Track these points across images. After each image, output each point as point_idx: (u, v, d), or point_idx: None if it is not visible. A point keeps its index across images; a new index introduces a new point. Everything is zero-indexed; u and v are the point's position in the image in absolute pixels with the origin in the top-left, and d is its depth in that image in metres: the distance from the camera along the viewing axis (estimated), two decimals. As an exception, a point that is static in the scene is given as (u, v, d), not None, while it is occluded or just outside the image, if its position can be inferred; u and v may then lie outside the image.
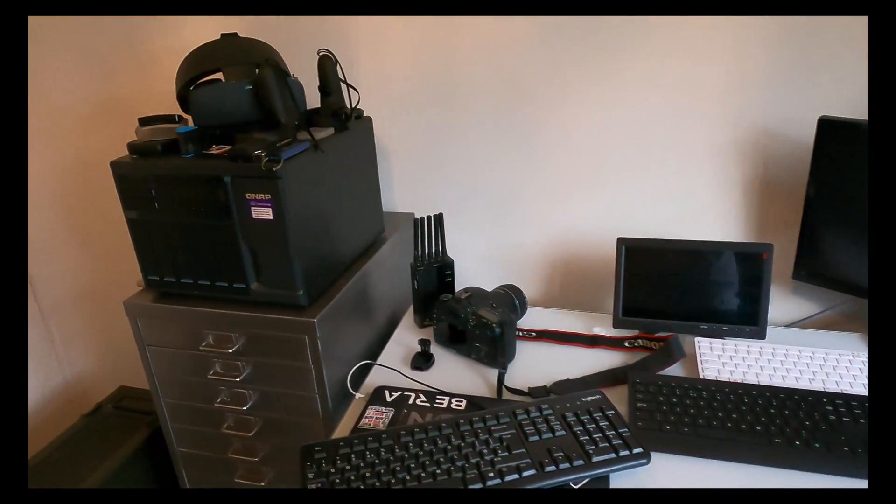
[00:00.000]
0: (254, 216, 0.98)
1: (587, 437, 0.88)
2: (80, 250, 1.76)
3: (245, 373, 1.12)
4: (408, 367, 1.15)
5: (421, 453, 0.87)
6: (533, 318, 1.29)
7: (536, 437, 0.89)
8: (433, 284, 1.26)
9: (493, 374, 1.12)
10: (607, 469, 0.84)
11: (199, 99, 1.01)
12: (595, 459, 0.85)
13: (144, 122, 1.07)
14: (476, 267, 1.49)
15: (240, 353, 1.10)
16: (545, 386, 1.07)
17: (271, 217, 0.97)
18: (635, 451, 0.86)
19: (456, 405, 1.02)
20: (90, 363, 1.96)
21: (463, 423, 0.92)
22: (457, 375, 1.12)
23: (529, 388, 1.06)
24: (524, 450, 0.87)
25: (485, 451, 0.86)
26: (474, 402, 1.03)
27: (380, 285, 1.28)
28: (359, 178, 1.21)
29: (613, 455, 0.85)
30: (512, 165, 1.37)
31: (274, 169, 0.92)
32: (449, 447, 0.88)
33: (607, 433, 0.89)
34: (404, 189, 1.46)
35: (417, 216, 1.44)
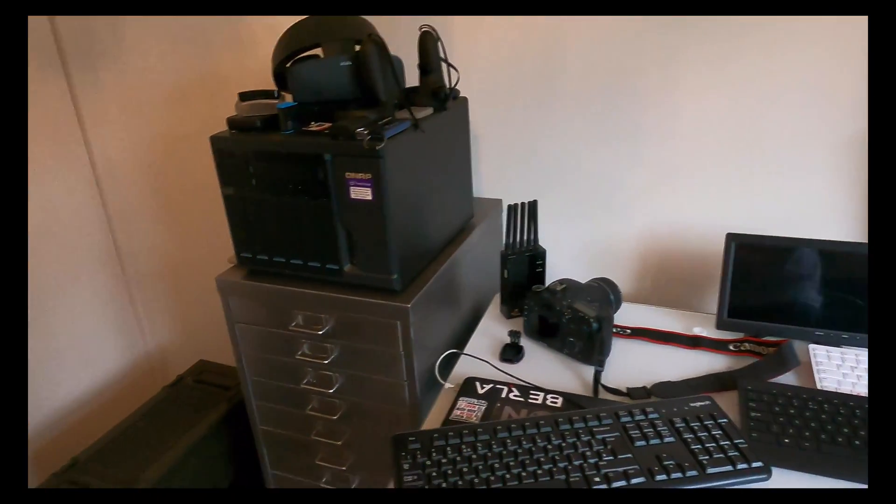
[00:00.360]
0: (352, 196, 0.95)
1: (699, 446, 0.82)
2: (168, 225, 1.80)
3: (333, 356, 1.10)
4: (496, 358, 1.12)
5: (520, 451, 0.83)
6: (626, 315, 1.23)
7: (643, 442, 0.84)
8: (523, 274, 1.21)
9: (587, 370, 1.07)
10: (723, 482, 0.78)
11: (299, 74, 0.99)
12: (710, 471, 0.79)
13: (244, 96, 1.05)
14: (564, 258, 1.43)
15: (329, 335, 1.08)
16: (645, 387, 1.01)
17: (370, 198, 0.94)
18: (754, 464, 0.79)
19: (552, 402, 0.97)
20: (171, 336, 2.01)
21: (562, 421, 0.88)
22: (547, 370, 1.07)
23: (628, 388, 1.01)
24: (630, 455, 0.81)
25: (588, 452, 0.82)
26: (571, 399, 0.98)
27: (468, 273, 1.24)
28: (453, 160, 1.17)
29: (730, 467, 0.79)
30: (608, 155, 1.30)
31: (377, 148, 0.89)
32: (549, 446, 0.83)
33: (721, 443, 0.83)
34: (492, 175, 1.41)
35: (505, 203, 1.40)
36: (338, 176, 0.95)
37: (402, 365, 1.05)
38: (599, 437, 0.84)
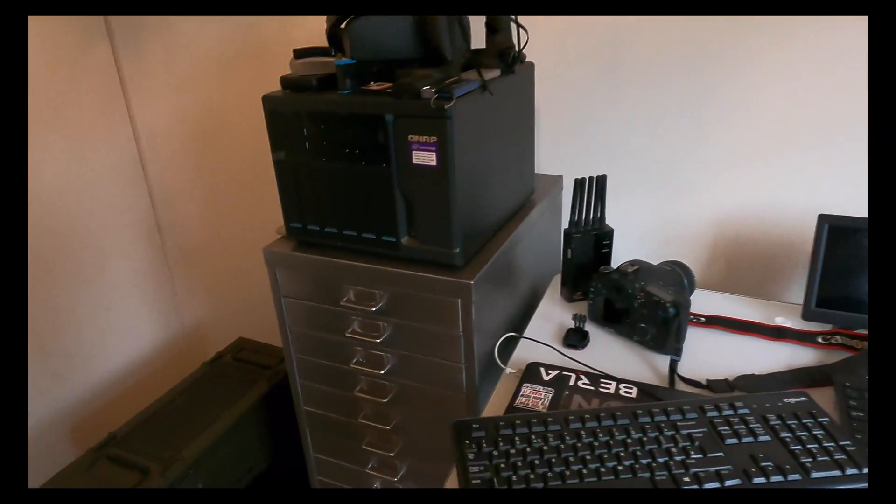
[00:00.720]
0: (414, 161, 0.88)
1: (799, 447, 0.73)
2: (209, 199, 1.76)
3: (385, 334, 1.03)
4: (558, 343, 1.04)
5: (596, 444, 0.75)
6: (698, 302, 1.14)
7: (734, 440, 0.75)
8: (588, 255, 1.13)
9: (659, 360, 0.98)
10: (829, 488, 0.69)
11: (359, 30, 0.92)
12: (815, 475, 0.70)
13: (299, 54, 0.99)
14: (627, 240, 1.35)
15: (382, 312, 1.02)
16: (727, 380, 0.92)
17: (434, 163, 0.87)
18: (865, 470, 0.70)
19: (625, 392, 0.89)
20: (210, 312, 1.97)
21: (641, 413, 0.80)
22: (615, 358, 0.99)
23: (708, 380, 0.92)
24: (721, 453, 0.73)
25: (673, 449, 0.74)
26: (646, 390, 0.90)
27: (527, 252, 1.16)
28: (518, 128, 1.09)
29: (838, 472, 0.70)
30: (680, 130, 1.20)
31: (444, 107, 0.82)
32: (628, 440, 0.75)
33: (825, 444, 0.74)
34: (554, 148, 1.33)
35: (566, 180, 1.32)
36: (399, 139, 0.88)
37: (461, 346, 0.97)
38: (684, 432, 0.76)
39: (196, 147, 1.70)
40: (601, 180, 1.10)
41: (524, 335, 1.06)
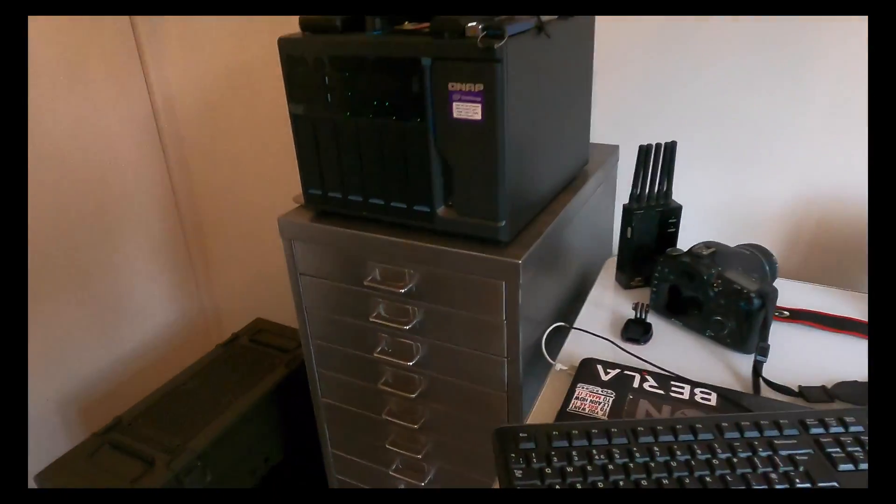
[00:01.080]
0: (455, 115, 0.74)
1: (937, 478, 0.58)
2: (229, 170, 1.64)
3: (415, 320, 0.90)
4: (615, 336, 0.90)
5: (673, 464, 0.61)
6: (780, 293, 0.98)
7: (850, 466, 0.60)
8: (650, 235, 0.98)
9: (737, 359, 0.84)
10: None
11: (393, -40, 0.77)
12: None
13: (322, -9, 0.85)
14: (693, 219, 1.19)
15: (412, 294, 0.88)
16: (824, 387, 0.77)
17: (479, 117, 0.72)
18: None
19: (703, 398, 0.75)
20: (227, 290, 1.87)
21: (727, 427, 0.65)
22: (683, 355, 0.85)
23: (800, 386, 0.77)
24: (835, 483, 0.58)
25: (773, 475, 0.59)
26: (728, 397, 0.75)
27: (578, 231, 1.01)
28: (574, 84, 0.94)
29: None
30: (764, 98, 1.04)
31: (495, 47, 0.67)
32: (714, 461, 0.61)
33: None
34: (609, 114, 1.17)
35: (623, 149, 1.16)
36: (438, 88, 0.73)
37: (503, 337, 0.84)
38: (784, 453, 0.62)
39: (214, 112, 1.58)
40: (671, 148, 0.95)
41: (574, 326, 0.92)
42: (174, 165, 1.71)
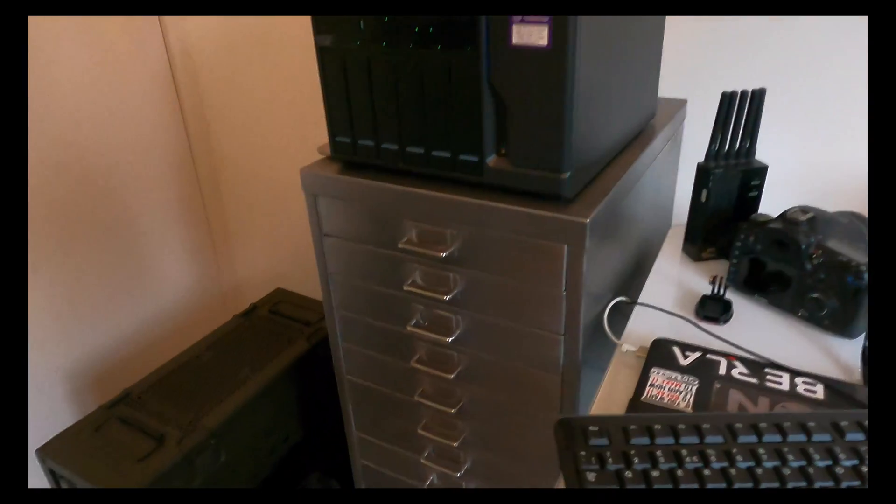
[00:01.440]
0: (515, 41, 0.62)
1: None
2: (249, 128, 1.53)
3: (456, 290, 0.79)
4: (689, 314, 0.78)
5: (786, 471, 0.49)
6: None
7: None
8: (729, 199, 0.86)
9: (837, 344, 0.71)
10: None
11: None
12: None
13: None
14: (773, 185, 1.05)
15: (454, 260, 0.77)
16: (951, 381, 0.64)
17: (545, 43, 0.60)
18: None
19: (807, 390, 0.63)
20: (246, 258, 1.77)
21: (847, 426, 0.53)
22: (770, 339, 0.73)
23: (921, 379, 0.64)
24: None
25: (915, 489, 0.47)
26: (837, 389, 0.63)
27: (645, 192, 0.89)
28: (648, 25, 0.81)
29: None
30: (861, 50, 0.90)
31: (569, -49, 0.55)
32: (837, 469, 0.49)
33: None
34: (677, 62, 1.03)
35: (692, 104, 1.03)
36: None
37: (561, 310, 0.72)
38: (924, 461, 0.49)
39: (234, 67, 1.47)
40: (758, 96, 0.82)
41: (642, 301, 0.80)
42: (191, 122, 1.60)
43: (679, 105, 1.01)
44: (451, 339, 0.81)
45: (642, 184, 0.86)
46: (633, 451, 0.51)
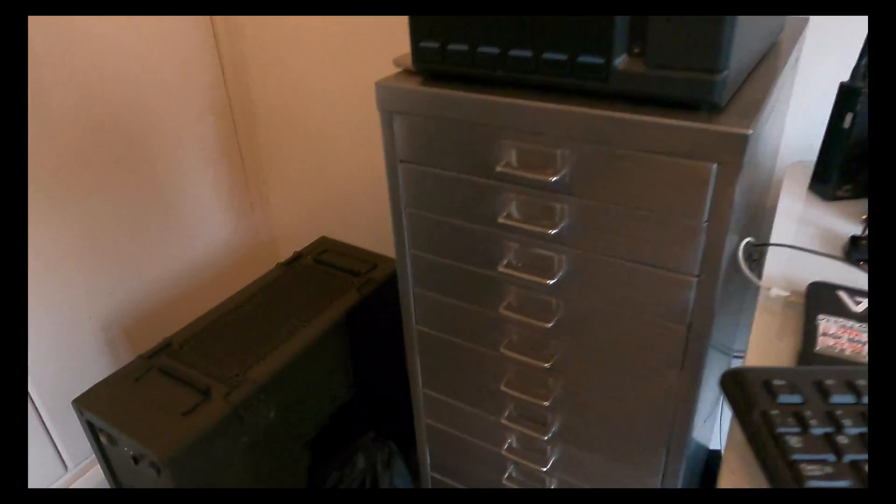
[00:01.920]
0: None
1: None
2: (289, 63, 1.41)
3: (563, 223, 0.68)
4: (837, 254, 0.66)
5: None
6: None
7: None
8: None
9: None
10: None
11: None
12: None
13: None
14: None
15: (564, 185, 0.66)
16: None
17: None
18: None
19: None
20: (285, 206, 1.68)
21: None
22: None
23: None
24: None
25: None
26: None
27: (774, 116, 0.76)
28: None
29: None
30: None
31: None
32: None
33: None
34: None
35: (812, 22, 0.89)
36: None
37: (698, 245, 0.61)
38: None
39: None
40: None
41: (777, 241, 0.69)
42: (227, 59, 1.49)
43: (802, 23, 0.88)
44: (551, 282, 0.71)
45: (775, 105, 0.74)
46: (839, 412, 0.41)
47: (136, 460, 0.99)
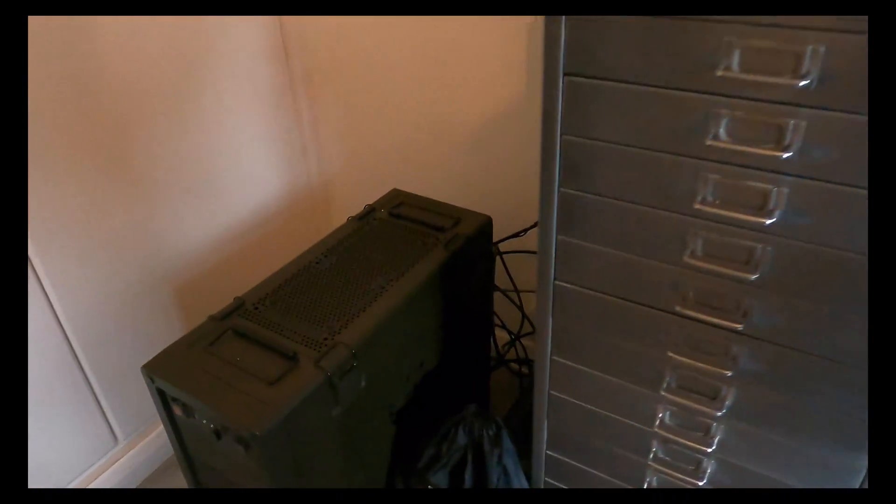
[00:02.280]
0: None
1: None
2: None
3: (795, 146, 0.54)
4: None
5: None
6: None
7: None
8: None
9: None
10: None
11: None
12: None
13: None
14: None
15: (805, 94, 0.52)
16: None
17: None
18: None
19: None
20: (347, 158, 1.54)
21: None
22: None
23: None
24: None
25: None
26: None
27: None
28: None
29: None
30: None
31: None
32: None
33: None
34: None
35: None
36: None
37: None
38: None
39: None
40: None
41: None
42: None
43: None
44: (769, 222, 0.57)
45: None
46: None
47: (218, 434, 0.88)
